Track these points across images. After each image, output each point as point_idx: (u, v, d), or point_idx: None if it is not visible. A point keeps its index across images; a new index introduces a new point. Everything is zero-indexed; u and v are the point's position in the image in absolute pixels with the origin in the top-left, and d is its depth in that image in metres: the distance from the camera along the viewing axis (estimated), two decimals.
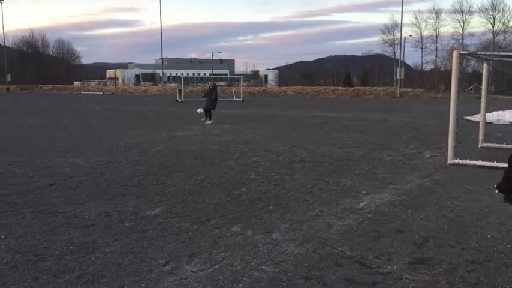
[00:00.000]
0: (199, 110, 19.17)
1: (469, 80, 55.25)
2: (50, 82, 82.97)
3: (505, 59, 11.17)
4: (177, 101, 38.74)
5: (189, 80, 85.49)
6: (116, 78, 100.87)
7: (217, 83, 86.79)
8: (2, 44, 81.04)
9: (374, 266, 4.26)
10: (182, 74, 78.19)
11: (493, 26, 70.54)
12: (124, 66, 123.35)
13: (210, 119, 18.49)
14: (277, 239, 4.98)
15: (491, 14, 70.52)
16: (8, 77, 77.68)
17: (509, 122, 18.62)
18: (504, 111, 20.42)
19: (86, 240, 4.96)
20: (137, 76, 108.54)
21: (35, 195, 6.88)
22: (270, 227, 5.41)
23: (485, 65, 11.18)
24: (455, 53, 9.23)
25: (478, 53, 10.41)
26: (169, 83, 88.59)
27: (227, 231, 5.25)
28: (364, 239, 4.99)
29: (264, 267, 4.23)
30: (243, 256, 4.50)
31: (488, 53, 13.11)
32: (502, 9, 70.36)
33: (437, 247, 4.73)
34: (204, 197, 6.80)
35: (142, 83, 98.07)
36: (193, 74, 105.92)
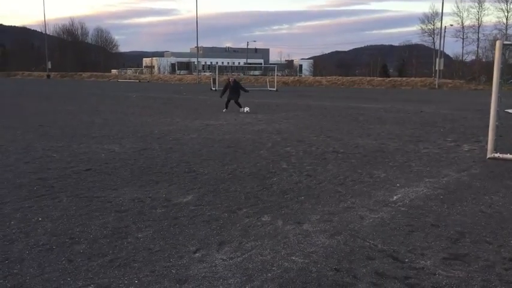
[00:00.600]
0: (246, 109, 18.67)
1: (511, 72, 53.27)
2: (89, 70, 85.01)
3: None
4: (211, 89, 38.96)
5: (223, 69, 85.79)
6: (152, 67, 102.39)
7: (252, 72, 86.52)
8: (43, 32, 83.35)
9: (406, 260, 4.16)
10: (217, 62, 78.57)
11: None
12: (160, 54, 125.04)
13: (241, 107, 18.96)
14: (308, 230, 4.94)
15: None
16: (49, 64, 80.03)
17: None
18: None
19: (119, 225, 5.05)
20: (172, 65, 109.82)
21: (72, 179, 7.06)
22: (300, 217, 5.37)
23: None
24: (498, 43, 8.87)
25: None
26: (204, 71, 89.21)
27: (257, 221, 5.24)
28: (397, 232, 4.89)
29: (293, 258, 4.20)
30: (273, 246, 4.48)
31: None
32: None
33: (474, 243, 4.59)
34: (236, 186, 6.82)
35: (178, 71, 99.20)
36: (228, 63, 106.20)
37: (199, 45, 76.97)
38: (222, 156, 9.19)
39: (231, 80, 19.73)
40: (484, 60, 66.65)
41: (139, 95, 31.14)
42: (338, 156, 9.33)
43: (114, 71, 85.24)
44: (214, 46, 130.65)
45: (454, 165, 8.55)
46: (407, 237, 4.76)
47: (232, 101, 19.06)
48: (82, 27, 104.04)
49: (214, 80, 41.41)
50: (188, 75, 77.84)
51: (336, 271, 3.94)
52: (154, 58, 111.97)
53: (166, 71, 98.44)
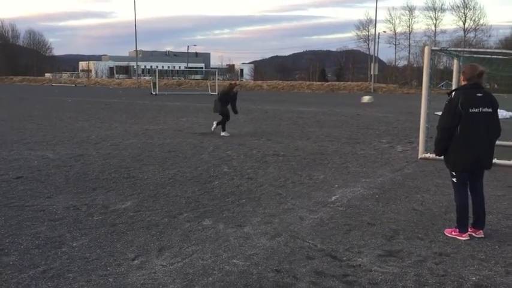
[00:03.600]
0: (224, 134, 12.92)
1: (441, 76, 56.26)
2: (21, 73, 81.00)
3: (475, 56, 11.37)
4: (151, 94, 38.33)
5: (163, 73, 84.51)
6: (89, 71, 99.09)
7: (193, 77, 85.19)
8: None
9: (344, 258, 4.28)
10: (157, 66, 77.26)
11: (464, 24, 72.02)
12: (97, 58, 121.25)
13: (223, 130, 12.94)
14: (249, 233, 4.96)
15: (462, 11, 71.95)
16: None
17: None
18: None
19: (53, 234, 4.83)
20: (111, 68, 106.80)
21: (0, 188, 6.68)
22: (241, 220, 5.38)
23: (455, 61, 11.36)
24: (426, 49, 9.34)
25: (449, 49, 10.58)
26: (144, 75, 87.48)
27: (198, 225, 5.20)
28: (335, 232, 5.01)
29: (234, 261, 4.20)
30: (214, 250, 4.46)
31: (458, 49, 13.34)
32: (473, 7, 71.89)
33: (407, 240, 4.79)
34: (176, 191, 6.73)
35: (116, 75, 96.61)
36: (168, 67, 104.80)
37: (138, 48, 75.49)
38: (162, 160, 9.05)
39: (236, 88, 13.58)
40: (415, 65, 70.09)
41: (75, 100, 30.05)
42: (279, 159, 9.45)
43: (48, 75, 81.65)
44: (155, 50, 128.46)
45: (389, 165, 8.90)
46: (345, 236, 4.89)
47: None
48: (13, 29, 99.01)
49: (154, 84, 40.73)
50: (127, 80, 75.97)
51: (276, 272, 3.97)
52: (91, 62, 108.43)
53: (104, 75, 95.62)
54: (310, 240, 4.75)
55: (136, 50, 72.87)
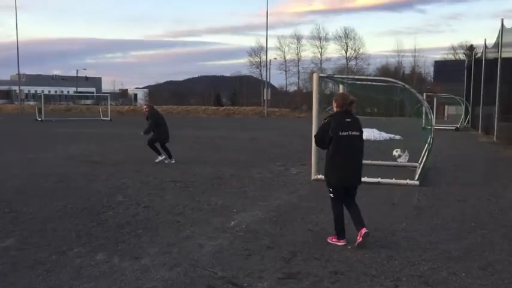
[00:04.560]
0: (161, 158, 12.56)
1: (328, 100, 59.86)
2: None
3: (358, 82, 12.27)
4: (37, 120, 35.83)
5: (50, 98, 79.65)
6: None
7: (83, 102, 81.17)
8: None
9: (245, 284, 4.27)
10: (42, 91, 72.67)
11: (346, 52, 77.81)
12: None
13: (169, 157, 12.49)
14: (146, 265, 4.76)
15: (344, 41, 77.77)
16: None
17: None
18: None
19: None
20: None
21: None
22: (138, 252, 5.15)
23: (341, 86, 12.14)
24: (315, 76, 9.88)
25: (335, 76, 11.29)
26: (28, 100, 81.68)
27: (91, 260, 4.87)
28: (236, 258, 5.00)
29: None
30: (109, 286, 4.20)
31: (343, 76, 14.32)
32: (354, 38, 78.09)
33: (304, 261, 4.92)
34: (66, 224, 6.28)
35: None
36: (56, 91, 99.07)
37: (22, 72, 70.48)
38: (50, 192, 8.42)
39: (145, 108, 13.17)
40: (304, 90, 73.90)
41: None
42: (176, 185, 9.28)
43: None
44: (40, 74, 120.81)
45: (284, 188, 9.15)
46: (245, 261, 4.89)
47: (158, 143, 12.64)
48: None
49: (40, 109, 38.13)
50: (9, 105, 70.41)
51: None
52: None
53: None
54: (210, 268, 4.68)
55: (19, 73, 67.94)
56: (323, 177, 9.89)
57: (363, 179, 9.59)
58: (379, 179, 9.53)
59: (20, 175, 10.21)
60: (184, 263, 4.82)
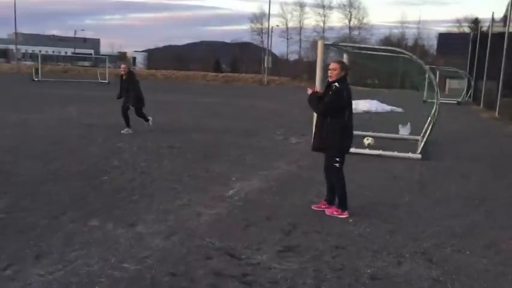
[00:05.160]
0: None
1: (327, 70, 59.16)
2: None
3: (362, 51, 11.94)
4: (34, 80, 35.31)
5: (47, 58, 78.52)
6: None
7: (81, 63, 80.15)
8: None
9: (243, 257, 4.11)
10: (40, 51, 71.50)
11: (349, 22, 76.57)
12: None
13: (146, 120, 11.57)
14: (141, 232, 4.60)
15: (348, 10, 76.42)
16: None
17: (362, 111, 20.19)
18: (358, 101, 22.02)
19: None
20: None
21: None
22: (133, 219, 4.99)
23: (345, 55, 11.81)
24: (320, 42, 9.53)
25: (340, 44, 10.96)
26: (25, 60, 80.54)
27: (84, 226, 4.71)
28: (234, 228, 4.84)
29: (125, 265, 3.83)
30: (102, 254, 4.04)
31: (349, 44, 13.95)
32: (358, 7, 76.76)
33: (304, 234, 4.76)
34: (59, 188, 6.10)
35: None
36: (53, 52, 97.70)
37: (19, 31, 69.14)
38: (43, 154, 8.21)
39: (123, 68, 11.55)
40: (305, 59, 72.97)
41: None
42: (173, 151, 9.08)
43: None
44: (38, 33, 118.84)
45: (284, 157, 8.96)
46: (243, 232, 4.74)
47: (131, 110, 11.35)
48: None
49: (37, 69, 37.53)
50: (5, 64, 69.45)
51: (172, 276, 3.69)
52: None
53: None
54: (208, 238, 4.52)
55: (16, 32, 66.86)
56: None
57: (364, 151, 9.55)
58: (381, 152, 9.35)
59: (12, 136, 9.98)
60: (180, 231, 4.65)
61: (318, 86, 9.74)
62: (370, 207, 5.77)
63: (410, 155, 9.18)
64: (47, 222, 4.75)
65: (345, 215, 5.30)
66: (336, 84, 5.23)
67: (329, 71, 5.36)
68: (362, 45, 13.13)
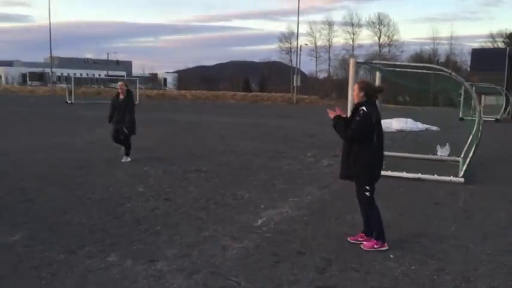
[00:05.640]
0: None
1: None
2: None
3: (397, 69, 11.44)
4: (67, 102, 36.05)
5: (82, 81, 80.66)
6: None
7: (113, 85, 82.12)
8: None
9: None
10: (75, 74, 73.49)
11: (379, 39, 75.84)
12: (9, 64, 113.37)
13: (126, 154, 10.17)
14: (162, 270, 4.24)
15: (377, 27, 75.76)
16: None
17: (396, 129, 19.55)
18: (391, 120, 21.40)
19: None
20: (23, 75, 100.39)
21: None
22: (155, 253, 4.64)
23: (377, 73, 11.34)
24: (352, 61, 9.13)
25: (373, 61, 10.51)
26: (61, 83, 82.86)
27: (102, 262, 4.39)
28: (262, 264, 4.42)
29: None
30: None
31: (382, 62, 13.47)
32: (388, 24, 75.98)
33: (340, 272, 4.31)
34: (80, 217, 5.83)
35: (29, 82, 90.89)
36: (87, 74, 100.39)
37: (55, 55, 71.36)
38: (69, 179, 8.03)
39: (121, 85, 10.31)
40: (334, 77, 72.41)
41: None
42: (201, 175, 8.77)
43: None
44: (73, 57, 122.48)
45: (316, 181, 8.52)
46: (272, 269, 4.32)
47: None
48: None
49: (70, 92, 38.36)
50: (41, 87, 71.49)
51: None
52: (0, 67, 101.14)
53: (15, 82, 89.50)
54: (234, 276, 4.12)
55: (51, 56, 68.98)
56: None
57: (401, 174, 9.00)
58: (420, 175, 8.78)
59: (41, 160, 9.88)
60: (204, 269, 4.27)
61: (350, 106, 9.33)
62: (412, 239, 5.25)
63: (452, 178, 8.58)
64: (63, 258, 4.45)
65: (385, 247, 4.86)
66: (364, 108, 4.81)
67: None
68: (396, 63, 12.63)
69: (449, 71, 8.42)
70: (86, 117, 22.52)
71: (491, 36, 73.76)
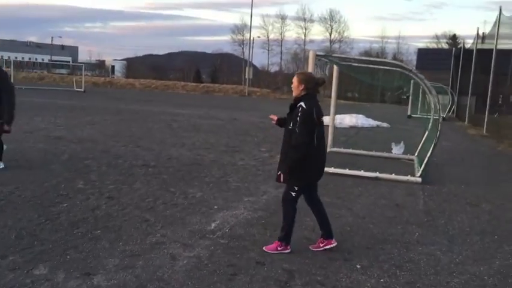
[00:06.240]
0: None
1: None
2: None
3: (354, 64, 11.20)
4: None
5: (23, 65, 76.57)
6: None
7: (58, 71, 78.47)
8: None
9: None
10: (16, 57, 69.55)
11: (330, 35, 76.75)
12: None
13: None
14: (100, 285, 3.63)
15: (329, 23, 76.61)
16: None
17: (349, 125, 19.50)
18: (344, 115, 21.34)
19: None
20: None
21: None
22: (92, 264, 4.01)
23: (335, 67, 11.05)
24: (311, 53, 8.71)
25: (333, 55, 10.19)
26: (1, 66, 78.26)
27: (27, 276, 3.72)
28: (217, 278, 3.90)
29: None
30: None
31: (343, 56, 13.23)
32: (339, 20, 77.04)
33: (304, 286, 3.86)
34: (7, 218, 5.08)
35: None
36: (30, 58, 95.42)
37: None
38: None
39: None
40: (286, 71, 72.62)
41: None
42: (148, 170, 8.11)
43: None
44: (14, 39, 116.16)
45: (271, 179, 8.00)
46: (229, 284, 3.81)
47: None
48: None
49: (9, 76, 36.06)
50: None
51: None
52: None
53: None
54: None
55: None
56: None
57: (359, 173, 8.73)
58: (377, 174, 8.54)
59: None
60: (150, 284, 3.70)
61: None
62: (378, 246, 4.90)
63: (409, 178, 8.38)
64: None
65: (288, 250, 4.54)
66: (302, 104, 4.34)
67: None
68: (355, 57, 12.44)
69: (410, 68, 8.19)
70: (25, 104, 20.99)
71: (436, 37, 76.46)
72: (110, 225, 5.10)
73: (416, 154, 10.93)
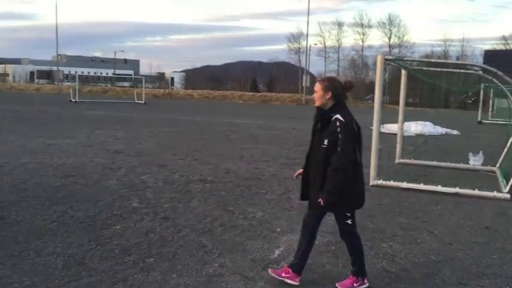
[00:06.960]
0: None
1: (368, 89, 57.11)
2: None
3: (425, 68, 10.30)
4: (71, 101, 35.16)
5: (89, 79, 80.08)
6: (5, 75, 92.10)
7: (120, 84, 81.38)
8: None
9: None
10: (82, 72, 72.68)
11: (389, 40, 74.45)
12: (17, 62, 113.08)
13: None
14: None
15: (388, 28, 74.37)
16: None
17: (415, 133, 18.35)
18: (409, 122, 20.14)
19: None
20: (31, 73, 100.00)
21: None
22: None
23: (403, 72, 10.20)
24: (379, 57, 7.99)
25: (404, 58, 9.37)
26: (68, 81, 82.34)
27: None
28: None
29: None
30: None
31: (415, 59, 12.32)
32: (398, 25, 74.59)
33: None
34: (56, 244, 4.74)
35: (37, 80, 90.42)
36: (95, 73, 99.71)
37: (63, 53, 70.61)
38: (53, 191, 6.94)
39: None
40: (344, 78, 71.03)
41: None
42: (205, 186, 7.66)
43: None
44: (81, 55, 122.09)
45: None
46: None
47: None
48: None
49: (75, 90, 37.48)
50: (47, 85, 70.84)
51: None
52: (8, 65, 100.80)
53: (22, 80, 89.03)
54: None
55: (57, 54, 68.37)
56: (384, 182, 8.14)
57: (436, 188, 7.83)
58: (457, 189, 7.62)
59: (27, 166, 8.82)
60: None
61: (377, 108, 8.18)
62: (474, 282, 4.10)
63: (496, 194, 7.41)
64: None
65: (365, 284, 3.91)
66: (338, 117, 3.68)
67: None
68: (431, 60, 11.49)
69: (495, 70, 7.26)
70: (88, 117, 21.54)
71: (504, 38, 72.16)
72: (164, 251, 4.63)
73: (498, 165, 9.84)
